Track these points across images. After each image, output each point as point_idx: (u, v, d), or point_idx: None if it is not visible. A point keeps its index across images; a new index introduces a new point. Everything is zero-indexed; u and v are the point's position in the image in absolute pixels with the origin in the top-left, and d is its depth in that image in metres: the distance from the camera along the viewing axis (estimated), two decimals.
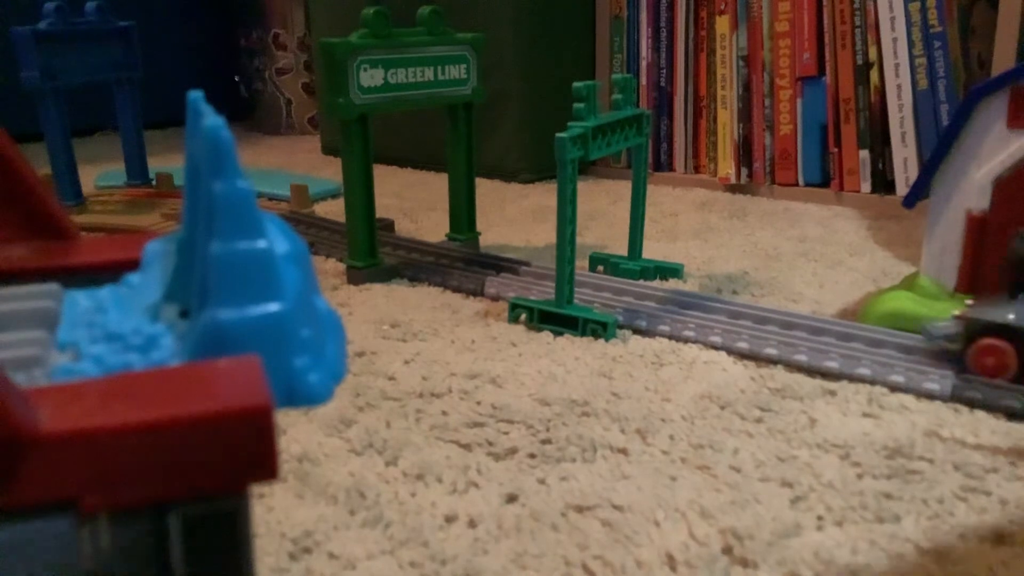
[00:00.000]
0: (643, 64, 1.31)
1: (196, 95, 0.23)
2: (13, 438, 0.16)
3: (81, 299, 0.25)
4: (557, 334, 0.68)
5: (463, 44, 0.86)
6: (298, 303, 0.21)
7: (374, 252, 0.83)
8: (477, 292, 0.79)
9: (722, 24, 1.23)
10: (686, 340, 0.66)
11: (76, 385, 0.19)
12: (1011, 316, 0.56)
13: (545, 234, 1.01)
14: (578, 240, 0.70)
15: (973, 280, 0.64)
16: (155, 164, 1.23)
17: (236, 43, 2.05)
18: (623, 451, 0.50)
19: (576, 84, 0.68)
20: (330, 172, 1.38)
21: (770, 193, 1.19)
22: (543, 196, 1.22)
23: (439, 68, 0.84)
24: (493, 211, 1.13)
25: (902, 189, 1.09)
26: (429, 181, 1.35)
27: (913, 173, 1.07)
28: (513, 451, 0.50)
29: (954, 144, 0.63)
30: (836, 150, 1.14)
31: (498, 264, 0.84)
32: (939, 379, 0.56)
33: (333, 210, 1.14)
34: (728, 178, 1.23)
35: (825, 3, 1.13)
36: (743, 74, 1.21)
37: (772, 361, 0.62)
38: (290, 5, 1.95)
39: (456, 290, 0.80)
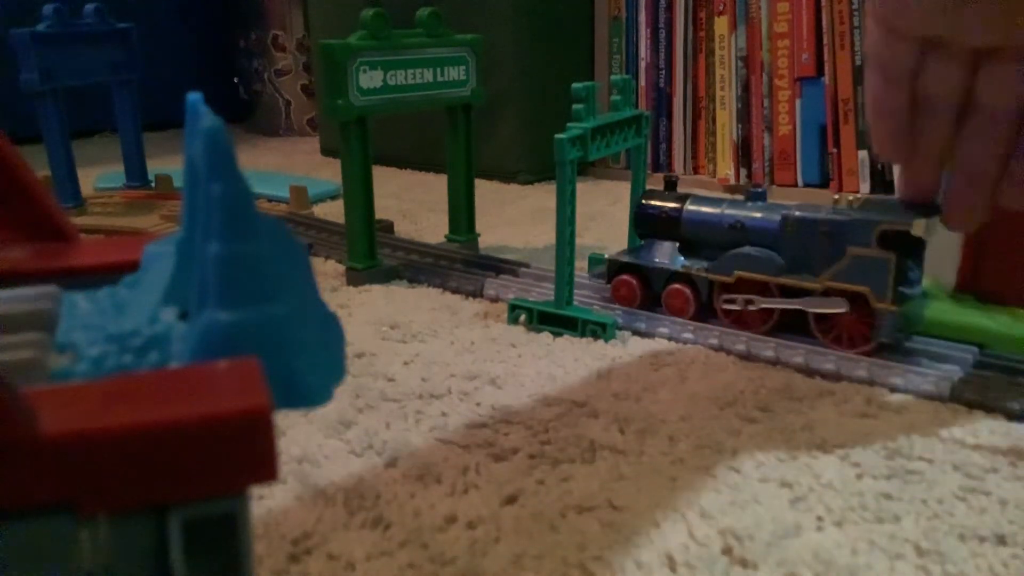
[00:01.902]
0: (642, 65, 1.31)
1: (195, 97, 0.23)
2: (12, 440, 0.16)
3: (80, 301, 0.25)
4: (556, 335, 0.68)
5: (462, 46, 0.86)
6: (297, 305, 0.21)
7: (373, 253, 0.83)
8: (476, 293, 0.79)
9: (721, 25, 1.23)
10: (685, 341, 0.66)
11: (75, 387, 0.19)
12: (636, 257, 0.71)
13: (544, 235, 1.01)
14: (577, 241, 0.70)
15: (973, 279, 0.64)
16: (154, 166, 1.23)
17: (235, 45, 2.05)
18: (622, 452, 0.50)
19: (575, 85, 0.68)
20: (329, 173, 1.38)
21: (769, 194, 1.19)
22: (542, 197, 1.22)
23: (438, 70, 0.84)
24: (492, 212, 1.13)
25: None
26: (428, 182, 1.36)
27: None
28: (513, 452, 0.50)
29: None
30: (835, 151, 1.14)
31: (497, 265, 0.84)
32: (938, 380, 0.56)
33: (332, 211, 1.14)
34: (727, 179, 1.23)
35: (824, 4, 1.13)
36: (742, 75, 1.21)
37: (770, 362, 0.62)
38: (289, 7, 1.95)
39: (455, 291, 0.80)
